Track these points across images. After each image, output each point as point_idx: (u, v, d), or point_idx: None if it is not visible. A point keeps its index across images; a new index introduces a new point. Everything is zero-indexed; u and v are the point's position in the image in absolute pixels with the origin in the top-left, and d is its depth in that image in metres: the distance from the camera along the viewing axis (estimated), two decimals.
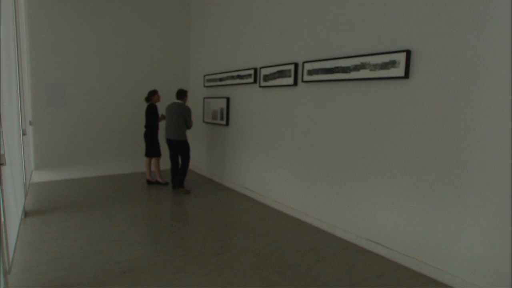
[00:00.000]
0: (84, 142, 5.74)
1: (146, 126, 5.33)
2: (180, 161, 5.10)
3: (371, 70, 3.14)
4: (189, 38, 6.70)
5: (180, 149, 4.99)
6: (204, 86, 6.11)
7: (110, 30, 5.79)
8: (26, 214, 3.88)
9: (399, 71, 2.88)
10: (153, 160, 5.45)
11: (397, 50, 2.91)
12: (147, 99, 5.31)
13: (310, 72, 3.81)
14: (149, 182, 5.46)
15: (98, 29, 5.68)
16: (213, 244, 3.26)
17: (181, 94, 5.02)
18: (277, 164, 4.42)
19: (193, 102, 6.67)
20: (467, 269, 2.54)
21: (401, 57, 2.86)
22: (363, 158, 3.27)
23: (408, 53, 2.82)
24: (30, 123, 5.20)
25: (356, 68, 3.27)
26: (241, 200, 4.78)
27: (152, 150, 5.35)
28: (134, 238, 3.34)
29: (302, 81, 3.92)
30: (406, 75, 2.84)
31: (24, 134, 3.70)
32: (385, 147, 3.07)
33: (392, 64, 2.94)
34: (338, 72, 3.48)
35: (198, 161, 6.56)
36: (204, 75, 6.09)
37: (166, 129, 5.03)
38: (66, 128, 5.55)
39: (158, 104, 6.31)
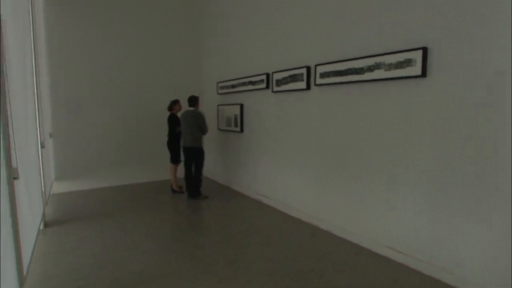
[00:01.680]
0: (103, 153, 5.85)
1: (169, 135, 5.39)
2: (194, 169, 5.09)
3: (385, 70, 3.03)
4: (202, 46, 6.76)
5: (195, 156, 4.99)
6: (218, 93, 6.13)
7: (125, 41, 5.92)
8: (46, 224, 3.96)
9: (416, 69, 2.76)
10: (173, 167, 5.49)
11: (413, 48, 2.80)
12: (169, 108, 5.39)
13: (323, 75, 3.73)
14: (176, 190, 5.49)
15: (113, 40, 5.81)
16: (227, 252, 3.20)
17: (193, 100, 5.04)
18: (291, 169, 4.33)
19: (208, 110, 6.69)
20: (488, 277, 2.37)
21: (417, 55, 2.74)
22: (380, 162, 3.15)
23: (425, 50, 2.70)
24: (50, 135, 5.35)
25: (370, 68, 3.17)
26: (255, 206, 4.71)
27: (173, 156, 5.41)
28: (147, 246, 3.32)
29: (315, 84, 3.84)
30: (423, 73, 2.71)
31: (42, 146, 3.80)
32: (402, 150, 2.94)
33: (408, 62, 2.82)
34: (351, 74, 3.38)
35: (213, 168, 6.56)
36: (217, 82, 6.11)
37: (183, 138, 5.06)
38: (85, 139, 5.67)
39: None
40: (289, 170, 4.38)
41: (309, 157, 4.03)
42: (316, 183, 3.94)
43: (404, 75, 2.86)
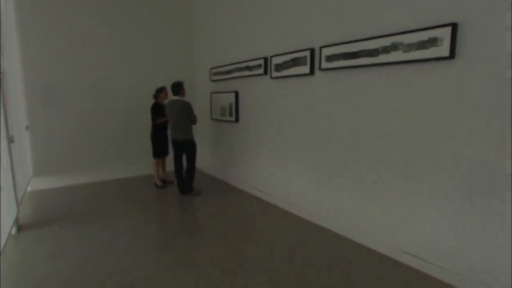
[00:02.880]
0: (85, 145, 5.39)
1: (152, 125, 4.96)
2: (185, 163, 4.67)
3: (404, 51, 2.62)
4: (193, 29, 6.24)
5: (185, 149, 4.58)
6: (211, 80, 5.66)
7: (109, 25, 5.38)
8: (19, 228, 3.54)
9: (442, 50, 2.36)
10: (154, 162, 5.07)
11: (439, 24, 2.39)
12: (154, 96, 4.94)
13: (330, 58, 3.31)
14: (159, 185, 5.10)
15: (96, 24, 5.28)
16: (223, 259, 2.83)
17: (176, 87, 4.52)
18: (293, 163, 3.95)
19: (200, 98, 6.24)
20: None
21: (445, 33, 2.34)
22: (397, 158, 2.77)
23: (454, 27, 2.29)
24: (27, 127, 4.87)
25: (386, 50, 2.76)
26: (253, 203, 4.34)
27: (154, 151, 4.99)
28: (136, 253, 2.94)
29: (320, 69, 3.42)
30: (452, 54, 2.31)
31: (11, 141, 3.34)
32: (424, 145, 2.57)
33: (433, 42, 2.41)
34: (363, 56, 2.97)
35: (206, 161, 6.15)
36: (211, 69, 5.64)
37: (171, 130, 4.62)
38: (65, 131, 5.20)
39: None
40: (290, 164, 4.00)
41: (313, 150, 3.64)
42: (322, 179, 3.56)
43: (428, 56, 2.46)
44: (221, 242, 3.19)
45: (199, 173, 6.12)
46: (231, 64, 4.97)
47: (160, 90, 4.89)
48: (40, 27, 4.86)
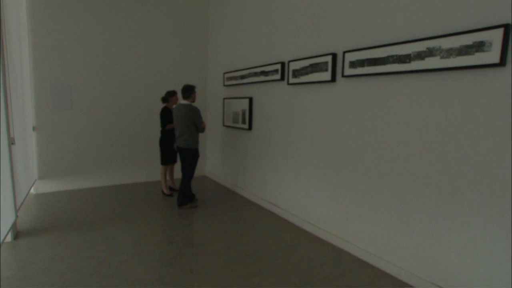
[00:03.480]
0: (93, 149, 5.23)
1: (161, 132, 4.75)
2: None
3: (443, 57, 2.31)
4: (207, 32, 6.05)
5: (185, 158, 4.27)
6: (224, 85, 5.44)
7: (121, 25, 5.25)
8: (17, 235, 3.35)
9: (491, 56, 2.04)
10: (162, 168, 4.84)
11: (488, 26, 2.07)
12: (164, 99, 4.70)
13: (354, 64, 3.02)
14: (166, 193, 4.87)
15: (108, 24, 5.14)
16: (230, 283, 2.54)
17: (187, 91, 4.19)
18: (310, 177, 3.65)
19: (212, 103, 6.02)
20: None
21: (494, 36, 2.02)
22: (428, 176, 2.44)
23: (507, 28, 1.97)
24: (34, 128, 4.73)
25: (420, 56, 2.45)
26: (265, 218, 4.04)
27: (163, 157, 4.76)
28: (134, 273, 2.68)
29: (343, 75, 3.13)
30: (502, 61, 1.99)
31: (12, 143, 3.17)
32: (460, 162, 2.23)
33: (479, 46, 2.10)
34: (392, 62, 2.66)
35: (216, 169, 5.90)
36: (224, 73, 5.42)
37: (176, 137, 4.35)
38: (73, 133, 5.05)
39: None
40: (307, 178, 3.70)
41: (333, 164, 3.34)
42: (343, 196, 3.24)
43: (472, 63, 2.14)
44: (228, 261, 2.90)
45: (208, 181, 5.87)
46: (246, 68, 4.73)
47: (172, 94, 4.67)
48: (52, 26, 4.75)
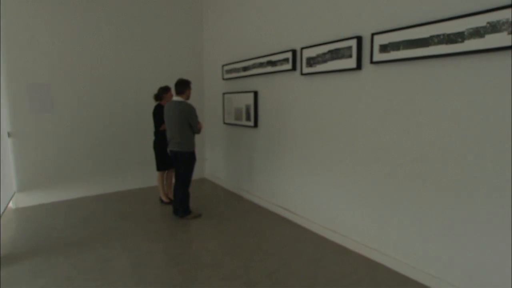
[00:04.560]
0: (79, 155, 4.67)
1: (155, 133, 4.23)
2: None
3: (510, 33, 1.88)
4: (202, 19, 5.52)
5: (180, 162, 3.77)
6: (223, 78, 4.94)
7: (106, 14, 4.67)
8: None
9: None
10: (159, 174, 4.33)
11: None
12: (157, 97, 4.17)
13: (385, 48, 2.57)
14: (164, 201, 4.38)
15: (92, 13, 4.56)
16: None
17: (181, 86, 3.68)
18: (330, 179, 3.21)
19: (210, 99, 5.51)
20: None
21: None
22: (490, 181, 2.03)
23: None
24: (9, 134, 4.15)
25: (478, 33, 2.02)
26: (280, 226, 3.60)
27: (158, 162, 4.26)
28: None
29: (371, 62, 2.68)
30: None
31: None
32: None
33: None
34: (438, 43, 2.23)
35: (217, 171, 5.42)
36: (223, 65, 4.91)
37: (168, 138, 3.83)
38: (55, 138, 4.47)
39: None
40: (327, 180, 3.26)
41: (359, 164, 2.90)
42: (373, 200, 2.82)
43: None
44: (251, 287, 2.45)
45: (209, 185, 5.39)
46: (249, 59, 4.23)
47: (165, 90, 4.14)
48: (26, 15, 4.14)
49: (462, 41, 2.10)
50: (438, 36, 2.23)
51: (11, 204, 4.26)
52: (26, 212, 4.14)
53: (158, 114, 4.10)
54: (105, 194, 4.86)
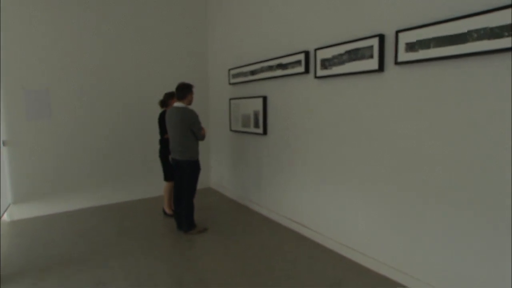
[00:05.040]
0: (78, 164, 4.43)
1: (161, 141, 3.99)
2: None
3: None
4: (206, 20, 5.30)
5: (184, 172, 3.52)
6: (230, 83, 4.69)
7: (108, 18, 4.47)
8: None
9: None
10: (167, 185, 4.07)
11: None
12: (163, 103, 3.94)
13: (413, 46, 2.30)
14: (168, 213, 4.12)
15: (93, 16, 4.36)
16: None
17: (182, 91, 3.44)
18: (349, 192, 2.92)
19: (215, 105, 5.27)
20: None
21: None
22: None
23: None
24: (4, 143, 3.93)
25: None
26: (294, 243, 3.30)
27: (166, 172, 4.00)
28: None
29: (396, 62, 2.41)
30: None
31: None
32: None
33: None
34: (478, 39, 1.95)
35: (223, 180, 5.15)
36: (229, 69, 4.67)
37: (170, 147, 3.59)
38: (53, 147, 4.25)
39: None
40: (345, 193, 2.97)
41: (383, 176, 2.61)
42: (401, 218, 2.52)
43: None
44: None
45: (214, 194, 5.11)
46: (258, 62, 3.98)
47: (171, 96, 3.90)
48: (24, 16, 3.95)
49: (509, 35, 1.82)
50: (478, 30, 1.95)
51: (5, 217, 4.02)
52: (21, 225, 3.89)
53: (164, 122, 3.86)
54: (106, 206, 4.61)
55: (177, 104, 3.47)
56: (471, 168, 2.05)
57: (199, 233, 3.58)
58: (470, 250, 2.09)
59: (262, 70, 3.93)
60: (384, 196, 2.61)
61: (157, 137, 4.21)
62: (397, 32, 2.39)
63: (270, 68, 3.78)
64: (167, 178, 4.02)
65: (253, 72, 4.11)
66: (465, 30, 2.01)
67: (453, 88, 2.12)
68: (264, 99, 3.95)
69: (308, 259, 2.94)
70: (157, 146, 4.13)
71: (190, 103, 3.53)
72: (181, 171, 3.56)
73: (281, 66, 3.60)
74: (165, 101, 3.91)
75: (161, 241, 3.39)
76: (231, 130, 4.73)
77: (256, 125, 4.11)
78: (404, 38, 2.36)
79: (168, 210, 4.10)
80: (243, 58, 4.38)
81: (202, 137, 3.56)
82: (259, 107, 4.03)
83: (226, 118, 4.92)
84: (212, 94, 5.36)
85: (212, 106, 5.39)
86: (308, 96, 3.30)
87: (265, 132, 3.99)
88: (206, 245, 3.27)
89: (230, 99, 4.68)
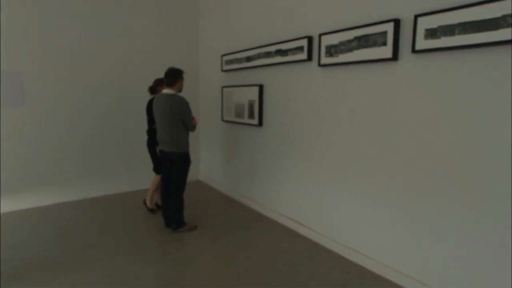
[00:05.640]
0: (55, 154, 4.07)
1: (148, 131, 3.67)
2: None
3: None
4: (198, 2, 4.93)
5: (173, 165, 3.24)
6: (222, 70, 4.38)
7: None
8: None
9: None
10: (156, 178, 3.77)
11: None
12: (152, 89, 3.61)
13: (433, 33, 2.07)
14: (150, 208, 3.82)
15: None
16: None
17: (172, 77, 3.12)
18: (355, 191, 2.71)
19: (206, 93, 4.95)
20: None
21: None
22: None
23: None
24: None
25: None
26: (289, 241, 3.09)
27: (156, 163, 3.70)
28: None
29: (413, 50, 2.18)
30: None
31: None
32: None
33: None
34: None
35: (214, 173, 4.88)
36: (222, 55, 4.35)
37: (158, 137, 3.29)
38: (27, 136, 3.86)
39: None
40: (350, 192, 2.76)
41: (390, 175, 2.41)
42: (414, 220, 2.33)
43: None
44: None
45: (204, 188, 4.85)
46: (254, 48, 3.69)
47: (160, 83, 3.56)
48: None
49: None
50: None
51: None
52: None
53: (150, 110, 3.53)
54: (87, 200, 4.27)
55: (166, 91, 3.16)
56: (496, 168, 1.86)
57: (189, 231, 3.33)
58: (479, 255, 1.91)
59: (259, 56, 3.64)
60: (392, 196, 2.41)
61: (143, 126, 3.89)
62: (416, 16, 2.15)
63: (268, 54, 3.49)
64: (156, 169, 3.71)
65: (248, 59, 3.82)
66: (499, 15, 1.78)
67: (479, 80, 1.90)
68: (261, 87, 3.67)
69: (308, 260, 2.74)
70: (143, 136, 3.81)
71: (180, 90, 3.22)
72: (170, 164, 3.27)
73: (280, 52, 3.32)
74: (155, 88, 3.58)
75: (147, 240, 3.12)
76: (223, 120, 4.44)
77: (251, 115, 3.84)
78: (424, 23, 2.12)
79: (149, 204, 3.80)
80: (237, 43, 4.07)
81: (193, 128, 3.28)
82: (255, 97, 3.75)
83: (217, 107, 4.62)
84: (203, 82, 5.03)
85: (202, 94, 5.07)
86: (310, 86, 3.04)
87: (260, 123, 3.73)
88: (197, 245, 3.02)
89: (223, 87, 4.37)
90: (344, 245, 2.83)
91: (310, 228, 3.17)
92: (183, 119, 3.14)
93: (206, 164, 5.11)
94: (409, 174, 2.30)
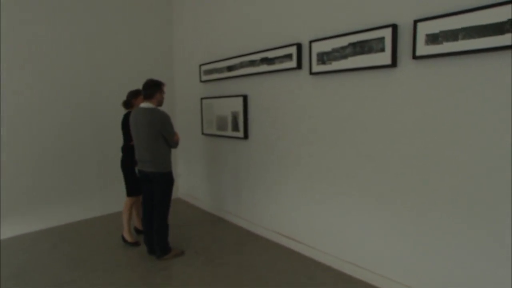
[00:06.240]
0: (17, 178, 3.58)
1: (123, 148, 3.31)
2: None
3: None
4: (172, 8, 4.67)
5: (154, 186, 2.93)
6: (201, 81, 4.14)
7: (60, 4, 3.67)
8: None
9: None
10: (128, 201, 3.37)
11: None
12: (127, 104, 3.26)
13: (435, 38, 2.00)
14: (129, 241, 3.36)
15: (44, 4, 3.53)
16: None
17: (150, 89, 2.84)
18: (352, 203, 2.58)
19: (183, 105, 4.67)
20: None
21: None
22: None
23: None
24: None
25: None
26: (285, 260, 2.89)
27: (129, 185, 3.33)
28: None
29: (414, 57, 2.10)
30: None
31: None
32: None
33: None
34: None
35: (195, 190, 4.59)
36: (200, 65, 4.11)
37: (136, 156, 2.98)
38: None
39: None
40: (346, 204, 2.62)
41: (391, 186, 2.30)
42: (413, 230, 2.22)
43: None
44: None
45: (184, 206, 4.53)
46: (236, 56, 3.50)
47: (134, 95, 3.25)
48: None
49: None
50: None
51: None
52: None
53: (128, 126, 3.18)
54: (53, 228, 3.80)
55: (144, 104, 2.87)
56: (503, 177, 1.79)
57: (176, 257, 3.02)
58: (486, 268, 1.84)
59: (242, 65, 3.46)
60: (392, 207, 2.30)
61: (117, 143, 3.54)
62: (416, 21, 2.08)
63: (252, 63, 3.32)
64: (130, 192, 3.32)
65: (230, 68, 3.62)
66: (505, 19, 1.74)
67: (484, 86, 1.85)
68: (245, 98, 3.48)
69: (310, 281, 2.55)
70: (118, 154, 3.45)
71: (160, 103, 2.94)
72: (151, 186, 2.97)
73: (266, 61, 3.16)
74: (129, 101, 3.25)
75: (129, 273, 2.77)
76: (203, 133, 4.18)
77: (236, 128, 3.63)
78: (425, 28, 2.05)
79: (129, 238, 3.31)
80: (217, 52, 3.86)
81: (176, 144, 3.01)
82: (239, 108, 3.55)
83: (197, 120, 4.36)
84: (179, 93, 4.75)
85: (179, 107, 4.78)
86: (301, 95, 2.90)
87: (246, 136, 3.52)
88: (185, 273, 2.73)
89: (202, 98, 4.13)
90: (345, 260, 2.68)
91: (306, 244, 3.00)
92: (164, 135, 2.86)
93: (186, 181, 4.80)
94: (409, 186, 2.20)
